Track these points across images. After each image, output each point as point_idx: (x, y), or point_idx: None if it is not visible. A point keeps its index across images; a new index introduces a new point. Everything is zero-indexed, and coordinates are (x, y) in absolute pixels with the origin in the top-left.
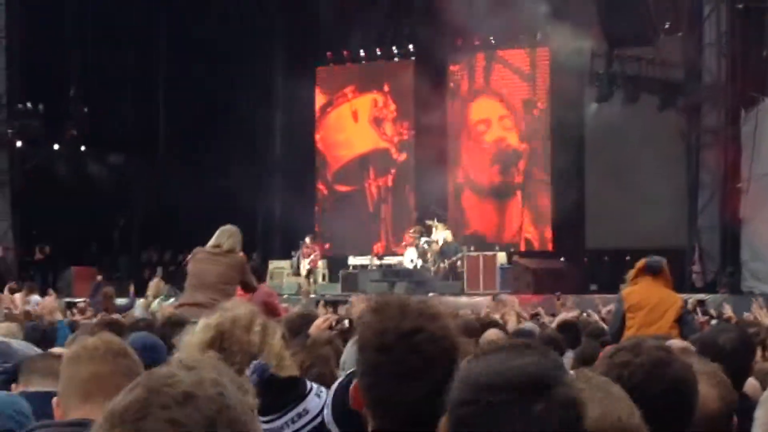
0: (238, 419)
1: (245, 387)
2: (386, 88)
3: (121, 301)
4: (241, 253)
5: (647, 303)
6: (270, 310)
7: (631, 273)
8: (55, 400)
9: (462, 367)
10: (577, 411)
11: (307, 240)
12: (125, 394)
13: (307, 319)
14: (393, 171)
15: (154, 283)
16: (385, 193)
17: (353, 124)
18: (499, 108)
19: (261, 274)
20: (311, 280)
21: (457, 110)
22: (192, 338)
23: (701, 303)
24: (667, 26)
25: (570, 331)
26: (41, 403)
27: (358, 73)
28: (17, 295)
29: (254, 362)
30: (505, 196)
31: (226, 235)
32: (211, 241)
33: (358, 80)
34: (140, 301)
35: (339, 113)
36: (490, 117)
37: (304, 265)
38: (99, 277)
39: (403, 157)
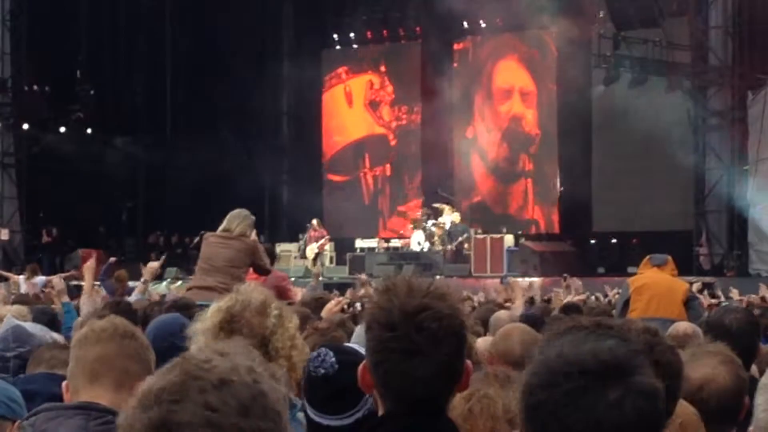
0: (271, 407)
1: (277, 375)
2: (383, 69)
3: (133, 284)
4: (253, 237)
5: (653, 286)
6: (281, 294)
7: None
8: (64, 383)
9: (536, 350)
10: (656, 401)
11: (315, 223)
12: (161, 375)
13: (323, 302)
14: (390, 158)
15: (151, 267)
16: (383, 182)
17: (347, 108)
18: (526, 78)
19: (273, 256)
20: (319, 263)
21: (470, 78)
22: (203, 322)
23: (709, 285)
24: (674, 8)
25: (574, 313)
26: (45, 384)
27: (360, 54)
28: (21, 277)
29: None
30: (512, 181)
31: (236, 220)
32: (222, 225)
33: (355, 60)
34: (138, 285)
35: (332, 95)
36: (513, 85)
37: (312, 249)
38: (112, 259)
39: (401, 142)
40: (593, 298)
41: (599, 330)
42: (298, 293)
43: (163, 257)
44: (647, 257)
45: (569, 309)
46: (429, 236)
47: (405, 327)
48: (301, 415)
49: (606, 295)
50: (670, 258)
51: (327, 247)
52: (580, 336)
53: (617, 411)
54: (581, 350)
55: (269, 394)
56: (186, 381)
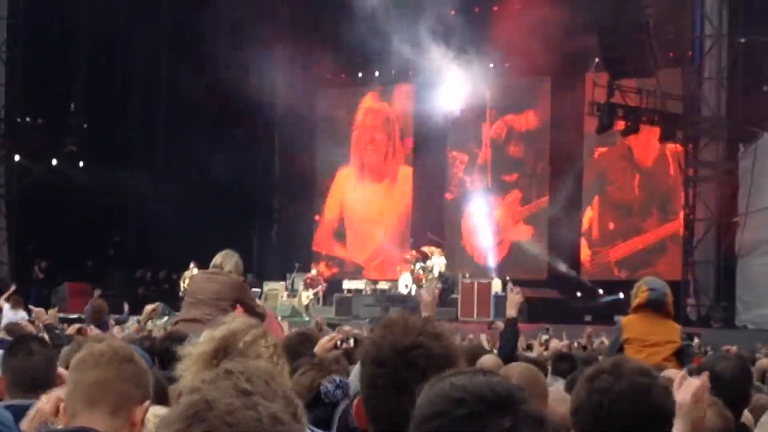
0: None
1: (298, 412)
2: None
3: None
4: (241, 278)
5: (646, 340)
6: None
7: (634, 302)
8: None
9: (426, 387)
10: (545, 427)
11: (314, 273)
12: (182, 420)
13: (305, 337)
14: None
15: (147, 310)
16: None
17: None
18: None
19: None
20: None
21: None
22: (195, 348)
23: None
24: (668, 58)
25: (566, 361)
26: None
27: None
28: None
29: (336, 378)
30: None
31: (227, 258)
32: (213, 262)
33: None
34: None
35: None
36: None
37: (308, 295)
38: (97, 292)
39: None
40: (576, 344)
41: (481, 372)
42: (284, 329)
43: (155, 305)
44: (644, 296)
45: (562, 358)
46: (417, 279)
47: (395, 363)
48: None
49: (585, 347)
50: (669, 297)
51: (319, 288)
52: (466, 375)
53: None
54: (473, 382)
55: None
56: None
